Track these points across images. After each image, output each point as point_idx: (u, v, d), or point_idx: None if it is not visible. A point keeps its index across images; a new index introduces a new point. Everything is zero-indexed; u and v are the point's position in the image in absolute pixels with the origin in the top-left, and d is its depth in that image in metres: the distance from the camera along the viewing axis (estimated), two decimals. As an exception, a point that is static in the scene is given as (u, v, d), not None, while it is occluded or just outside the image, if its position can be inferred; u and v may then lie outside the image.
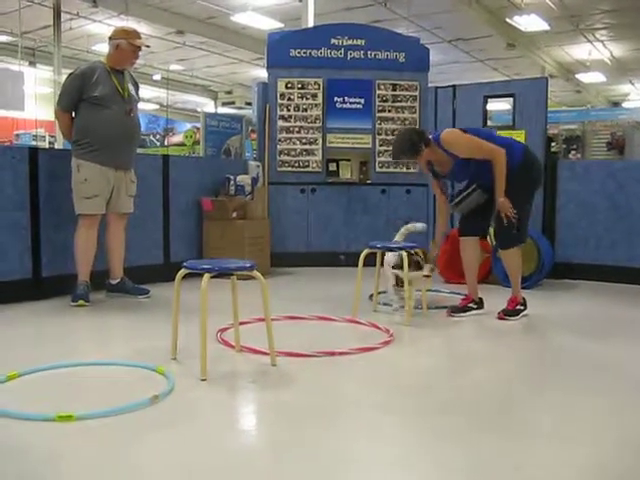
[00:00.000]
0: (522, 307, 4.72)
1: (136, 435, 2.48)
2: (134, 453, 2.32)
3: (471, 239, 4.85)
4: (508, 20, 14.46)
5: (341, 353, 3.61)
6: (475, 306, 4.84)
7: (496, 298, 4.89)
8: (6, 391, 2.94)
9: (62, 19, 14.28)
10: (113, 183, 5.04)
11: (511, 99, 6.83)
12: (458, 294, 5.50)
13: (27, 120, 15.91)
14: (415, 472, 2.21)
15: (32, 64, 18.36)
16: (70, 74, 5.03)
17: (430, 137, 4.62)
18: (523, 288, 5.77)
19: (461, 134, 4.58)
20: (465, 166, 4.58)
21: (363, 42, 7.43)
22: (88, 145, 4.90)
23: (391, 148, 4.65)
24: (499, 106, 10.62)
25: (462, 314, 4.74)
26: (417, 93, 7.47)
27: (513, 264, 4.78)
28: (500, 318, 4.61)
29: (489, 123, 7.13)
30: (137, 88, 5.28)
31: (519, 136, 6.67)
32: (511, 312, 4.68)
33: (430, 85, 7.51)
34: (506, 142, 4.66)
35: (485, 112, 6.97)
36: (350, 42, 7.37)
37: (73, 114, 5.00)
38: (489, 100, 6.98)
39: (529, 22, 14.22)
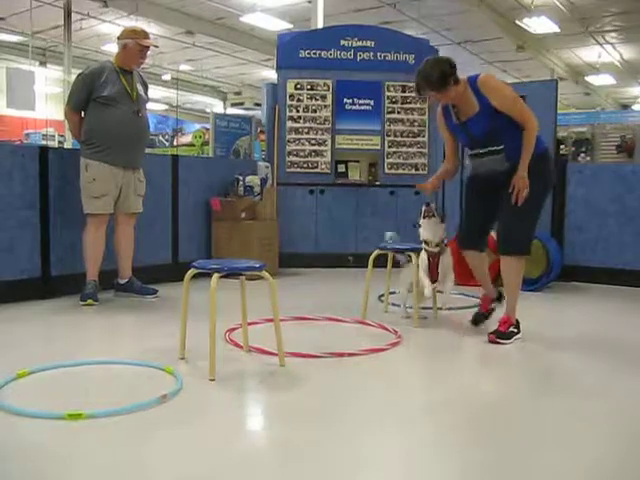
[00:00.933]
0: (515, 330, 4.04)
1: (145, 434, 2.49)
2: (143, 452, 2.32)
3: (470, 252, 4.34)
4: (518, 22, 14.43)
5: (349, 354, 3.61)
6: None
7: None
8: (16, 389, 2.95)
9: (73, 19, 14.35)
10: (122, 183, 5.05)
11: (521, 101, 6.81)
12: (467, 296, 5.50)
13: (37, 119, 15.97)
14: (421, 472, 2.20)
15: (42, 64, 18.45)
16: (79, 74, 5.05)
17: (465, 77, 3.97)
18: (531, 291, 5.79)
19: (503, 83, 4.10)
20: (488, 120, 3.90)
21: (373, 43, 7.43)
22: (97, 145, 4.92)
23: (415, 78, 3.94)
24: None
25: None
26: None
27: (511, 276, 4.05)
28: (491, 341, 3.94)
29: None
30: (146, 88, 5.30)
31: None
32: (503, 335, 3.99)
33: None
34: None
35: (494, 114, 6.96)
36: (360, 43, 7.37)
37: (82, 114, 5.03)
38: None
39: (539, 24, 14.18)
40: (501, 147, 3.94)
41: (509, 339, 3.97)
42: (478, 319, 4.41)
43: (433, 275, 4.33)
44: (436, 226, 4.34)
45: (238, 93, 23.98)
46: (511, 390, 3.21)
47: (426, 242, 4.35)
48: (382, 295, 5.05)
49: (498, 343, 3.90)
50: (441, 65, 3.87)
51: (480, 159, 4.08)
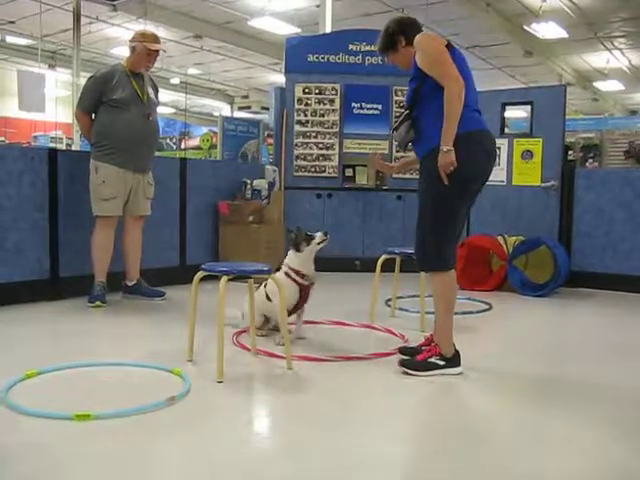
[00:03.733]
0: (441, 362, 3.29)
1: (152, 435, 2.49)
2: (150, 453, 2.33)
3: None
4: (526, 27, 14.42)
5: (356, 358, 3.61)
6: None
7: (512, 307, 4.87)
8: (25, 389, 2.96)
9: (82, 23, 14.41)
10: (131, 185, 5.07)
11: (529, 107, 6.81)
12: (474, 300, 5.51)
13: (45, 122, 16.03)
14: (428, 474, 2.20)
15: (51, 67, 18.52)
16: (90, 77, 5.07)
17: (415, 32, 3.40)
18: (539, 296, 5.78)
19: (437, 39, 3.33)
20: (413, 82, 3.34)
21: (381, 48, 7.43)
22: (107, 147, 4.93)
23: None
24: (516, 114, 10.60)
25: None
26: (434, 99, 7.44)
27: (438, 294, 3.36)
28: (399, 365, 3.33)
29: (506, 131, 7.11)
30: (157, 91, 5.32)
31: (536, 144, 6.67)
32: (417, 364, 3.31)
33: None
34: (472, 97, 3.35)
35: (503, 119, 6.96)
36: (368, 48, 7.37)
37: (93, 116, 5.05)
38: (507, 107, 6.97)
39: (547, 29, 14.18)
40: (405, 112, 3.38)
41: (424, 371, 3.27)
42: (405, 351, 3.61)
43: (299, 306, 3.94)
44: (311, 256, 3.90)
45: (245, 97, 24.02)
46: (521, 390, 3.21)
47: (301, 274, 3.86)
48: (389, 300, 5.05)
49: (406, 373, 3.28)
50: (388, 23, 3.50)
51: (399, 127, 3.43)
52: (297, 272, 3.84)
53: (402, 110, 3.48)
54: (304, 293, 3.86)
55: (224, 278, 3.17)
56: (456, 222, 3.32)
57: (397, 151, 3.39)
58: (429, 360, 3.30)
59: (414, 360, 3.32)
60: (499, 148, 6.93)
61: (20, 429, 2.52)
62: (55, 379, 3.16)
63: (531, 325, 4.93)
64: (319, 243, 3.85)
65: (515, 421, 2.79)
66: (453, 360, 3.33)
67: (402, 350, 3.61)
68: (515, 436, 2.60)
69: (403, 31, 3.41)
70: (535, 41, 15.39)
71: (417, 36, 3.32)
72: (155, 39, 5.11)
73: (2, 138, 11.23)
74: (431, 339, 3.55)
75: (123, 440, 2.44)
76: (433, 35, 3.42)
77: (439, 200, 3.25)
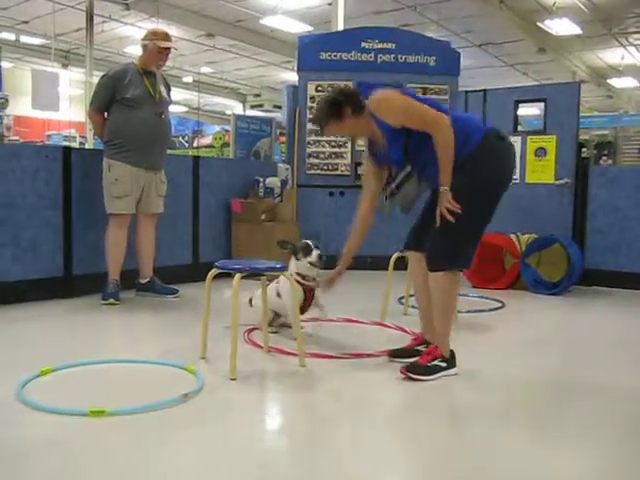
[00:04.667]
0: (443, 364, 3.27)
1: (166, 432, 2.51)
2: (163, 449, 2.34)
3: (416, 254, 3.54)
4: (539, 24, 14.35)
5: (368, 355, 3.61)
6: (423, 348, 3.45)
7: (525, 305, 4.85)
8: (40, 385, 2.99)
9: (94, 22, 14.47)
10: (143, 183, 5.09)
11: (542, 104, 6.78)
12: (486, 299, 5.49)
13: (58, 121, 16.10)
14: (442, 471, 2.20)
15: (64, 66, 18.61)
16: (103, 75, 5.09)
17: (363, 103, 3.32)
18: (552, 294, 5.75)
19: (394, 93, 3.28)
20: (399, 144, 3.25)
21: (393, 46, 7.42)
22: (119, 145, 4.96)
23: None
24: (529, 111, 10.54)
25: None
26: (447, 97, 7.43)
27: (442, 296, 3.28)
28: (403, 374, 3.20)
29: (519, 128, 7.09)
30: (169, 90, 5.33)
31: (550, 142, 6.64)
32: (420, 369, 3.22)
33: (460, 89, 7.48)
34: (461, 117, 3.41)
35: (516, 117, 6.94)
36: (380, 45, 7.37)
37: (106, 115, 5.07)
38: (520, 105, 6.94)
39: (560, 26, 14.09)
40: (407, 170, 3.34)
41: (429, 375, 3.21)
42: (396, 354, 3.56)
43: (306, 306, 4.02)
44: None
45: (257, 95, 24.04)
46: (535, 388, 3.20)
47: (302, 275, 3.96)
48: (402, 297, 5.05)
49: (410, 379, 3.19)
50: (334, 94, 3.37)
51: (401, 188, 3.40)
52: (298, 274, 3.92)
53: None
54: (308, 294, 3.96)
55: (237, 275, 3.17)
56: (486, 225, 3.32)
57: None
58: (433, 363, 3.26)
59: (417, 365, 3.26)
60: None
61: (36, 425, 2.54)
62: (69, 376, 3.18)
63: (544, 323, 4.91)
64: (311, 263, 3.95)
65: (527, 420, 2.78)
66: (451, 361, 3.31)
67: (392, 353, 3.56)
68: (527, 435, 2.59)
69: (349, 101, 3.30)
70: (549, 38, 15.30)
71: (372, 101, 3.25)
72: (166, 37, 5.13)
73: (16, 137, 11.31)
74: (421, 338, 3.57)
75: (137, 436, 2.45)
76: (386, 92, 3.28)
77: (476, 204, 3.20)
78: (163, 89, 5.19)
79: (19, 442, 2.37)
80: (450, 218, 3.11)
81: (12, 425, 2.55)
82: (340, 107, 3.28)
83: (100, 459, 2.24)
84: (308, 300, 3.99)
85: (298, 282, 3.86)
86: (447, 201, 3.11)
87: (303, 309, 3.95)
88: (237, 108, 24.73)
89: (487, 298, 5.54)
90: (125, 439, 2.43)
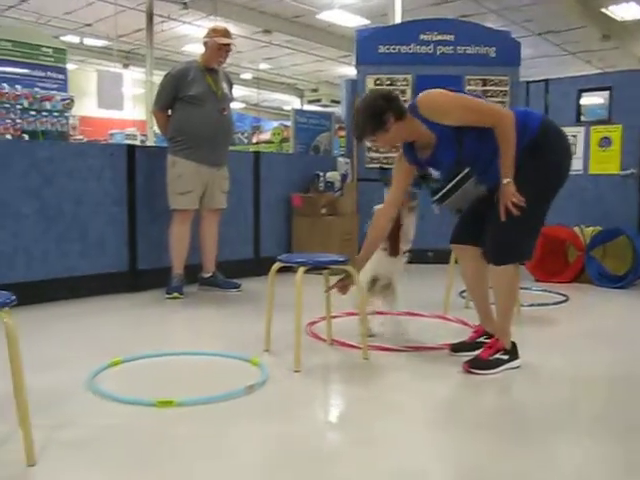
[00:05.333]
0: (505, 357, 3.24)
1: (232, 422, 2.55)
2: (229, 439, 2.38)
3: (466, 248, 3.46)
4: (603, 10, 13.98)
5: (430, 348, 3.61)
6: (487, 339, 3.43)
7: (590, 299, 4.76)
8: (110, 376, 3.07)
9: (154, 22, 14.73)
10: (207, 179, 5.16)
11: (607, 93, 6.63)
12: (550, 292, 5.41)
13: (120, 120, 16.46)
14: (500, 469, 2.19)
15: (126, 66, 19.01)
16: (166, 74, 5.18)
17: (405, 106, 3.22)
18: (617, 288, 5.62)
19: (444, 92, 3.18)
20: (452, 146, 3.13)
21: (452, 37, 7.34)
22: (183, 142, 5.04)
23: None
24: (592, 100, 10.32)
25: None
26: (508, 88, 7.32)
27: (504, 289, 3.24)
28: (466, 370, 3.17)
29: (582, 118, 6.94)
30: (231, 87, 5.38)
31: (615, 131, 6.49)
32: (483, 363, 3.20)
33: (521, 80, 7.36)
34: (515, 109, 3.31)
35: (579, 107, 6.80)
36: (439, 37, 7.30)
37: (169, 112, 5.16)
38: (583, 94, 6.80)
39: (626, 11, 13.69)
40: (465, 172, 3.16)
41: (492, 369, 3.18)
42: (458, 347, 3.53)
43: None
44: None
45: (315, 90, 24.09)
46: (590, 391, 3.15)
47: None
48: (463, 291, 5.00)
49: (472, 374, 3.16)
50: (372, 101, 3.20)
51: (452, 194, 3.24)
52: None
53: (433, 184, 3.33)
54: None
55: (301, 269, 3.20)
56: (546, 214, 3.27)
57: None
58: (495, 357, 3.22)
59: (479, 359, 3.22)
60: (575, 136, 6.77)
61: (106, 414, 2.62)
62: (137, 367, 3.26)
63: (609, 317, 4.81)
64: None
65: (591, 415, 2.74)
66: (513, 352, 3.27)
67: (454, 347, 3.52)
68: (588, 431, 2.55)
69: (391, 107, 3.14)
70: (613, 24, 14.89)
71: (423, 103, 3.14)
72: (225, 34, 5.17)
73: (80, 136, 11.61)
74: (482, 330, 3.53)
75: (204, 426, 2.50)
76: (436, 92, 3.18)
77: (540, 195, 3.15)
78: (225, 86, 5.25)
79: (90, 430, 2.44)
80: (515, 211, 3.04)
81: (83, 413, 2.62)
82: (383, 116, 3.13)
83: (167, 448, 2.29)
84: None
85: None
86: (512, 194, 3.03)
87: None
88: (295, 103, 24.84)
89: (550, 292, 5.45)
90: (191, 429, 2.48)
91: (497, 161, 3.09)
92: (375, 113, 3.13)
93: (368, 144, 3.47)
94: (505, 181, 3.05)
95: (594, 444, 2.37)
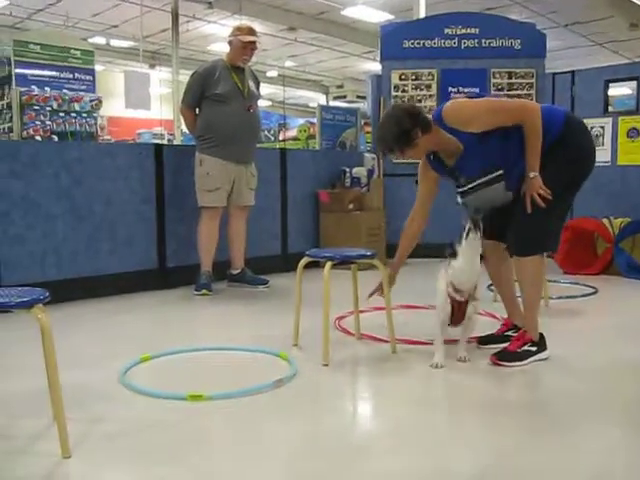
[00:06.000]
0: (534, 348, 3.23)
1: (261, 415, 2.58)
2: (259, 432, 2.41)
3: (490, 243, 3.36)
4: (631, -2, 13.77)
5: (457, 341, 3.60)
6: (513, 333, 3.45)
7: (619, 291, 4.71)
8: (140, 371, 3.13)
9: (179, 22, 14.82)
10: (234, 177, 5.20)
11: (634, 83, 6.56)
12: (578, 284, 5.37)
13: (147, 120, 16.59)
14: (527, 459, 2.19)
15: (152, 66, 19.15)
16: (193, 73, 5.23)
17: (429, 117, 3.21)
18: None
19: (469, 100, 3.30)
20: (479, 151, 3.15)
21: (477, 30, 7.31)
22: (211, 140, 5.08)
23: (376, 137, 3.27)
24: (620, 91, 10.21)
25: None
26: (533, 80, 7.27)
27: (529, 281, 3.23)
28: (494, 363, 3.17)
29: (610, 109, 6.88)
30: (258, 84, 5.42)
31: (643, 122, 6.43)
32: (511, 355, 3.19)
33: (547, 72, 7.31)
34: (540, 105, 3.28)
35: (606, 97, 6.74)
36: (464, 31, 7.27)
37: (197, 110, 5.21)
38: (610, 85, 6.74)
39: (655, -2, 13.47)
40: (499, 172, 3.17)
41: (520, 360, 3.17)
42: (486, 340, 3.54)
43: (455, 321, 3.28)
44: (475, 260, 3.17)
45: (340, 86, 24.06)
46: (619, 384, 3.13)
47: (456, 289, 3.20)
48: (491, 284, 4.98)
49: (500, 366, 3.16)
50: (399, 119, 3.15)
51: (479, 190, 3.25)
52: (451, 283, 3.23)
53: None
54: (457, 310, 3.21)
55: (328, 264, 3.22)
56: (569, 209, 3.34)
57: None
58: (523, 349, 3.22)
59: (507, 352, 3.22)
60: (602, 127, 6.72)
61: (138, 407, 2.67)
62: (168, 363, 3.31)
63: (638, 309, 4.76)
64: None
65: (619, 408, 2.73)
66: (542, 344, 3.27)
67: (482, 340, 3.53)
68: (619, 420, 2.54)
69: (417, 123, 3.13)
70: (641, 12, 14.68)
71: (449, 114, 3.15)
72: (250, 31, 5.20)
73: (108, 137, 11.74)
74: (510, 323, 3.54)
75: (234, 420, 2.54)
76: (460, 102, 3.26)
77: (565, 188, 3.19)
78: (252, 84, 5.28)
79: (122, 423, 2.49)
80: (541, 203, 3.06)
81: (116, 407, 2.67)
82: (410, 133, 3.11)
83: (198, 441, 2.33)
84: (456, 316, 3.24)
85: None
86: (539, 187, 3.06)
87: (455, 321, 3.27)
88: (320, 100, 24.84)
89: (579, 284, 5.42)
90: (222, 422, 2.53)
91: (522, 164, 3.13)
92: (402, 132, 3.13)
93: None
94: (531, 175, 3.08)
95: (623, 436, 2.36)
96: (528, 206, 3.09)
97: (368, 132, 8.76)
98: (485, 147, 3.14)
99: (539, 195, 3.06)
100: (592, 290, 5.16)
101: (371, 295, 3.55)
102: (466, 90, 7.23)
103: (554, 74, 7.19)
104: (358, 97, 20.49)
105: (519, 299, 3.42)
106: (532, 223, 3.15)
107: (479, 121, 3.11)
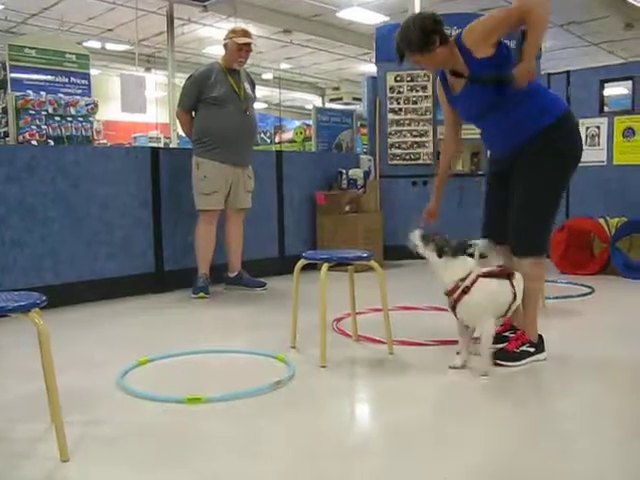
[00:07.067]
0: (532, 349, 3.24)
1: (260, 417, 2.58)
2: (257, 434, 2.41)
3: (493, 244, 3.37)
4: (627, -2, 13.78)
5: (456, 342, 3.60)
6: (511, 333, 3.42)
7: (616, 291, 4.72)
8: (138, 375, 3.13)
9: (175, 25, 14.82)
10: (231, 179, 5.20)
11: (629, 83, 6.58)
12: (575, 284, 5.38)
13: (143, 123, 16.59)
14: (525, 461, 2.20)
15: (147, 70, 19.14)
16: (190, 76, 5.24)
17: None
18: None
19: (482, 18, 3.20)
20: (478, 90, 3.16)
21: (472, 31, 7.30)
22: (207, 143, 5.09)
23: (395, 39, 3.25)
24: (615, 91, 10.25)
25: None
26: (529, 80, 7.26)
27: (527, 282, 3.20)
28: (493, 359, 3.16)
29: (605, 109, 6.89)
30: (253, 87, 5.43)
31: (639, 121, 6.43)
32: (508, 355, 3.18)
33: (542, 72, 7.31)
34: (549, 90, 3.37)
35: (602, 97, 6.75)
36: (459, 32, 7.26)
37: (193, 114, 5.21)
38: (605, 85, 6.75)
39: (651, -2, 13.49)
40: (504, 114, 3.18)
41: (517, 361, 3.18)
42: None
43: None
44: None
45: (336, 88, 24.08)
46: (616, 385, 3.14)
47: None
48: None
49: (499, 366, 3.14)
50: (421, 21, 3.17)
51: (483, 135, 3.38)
52: None
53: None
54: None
55: (325, 265, 3.22)
56: (559, 206, 3.29)
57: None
58: (521, 349, 3.22)
59: (505, 351, 3.21)
60: (598, 127, 6.73)
61: (136, 411, 2.66)
62: (166, 366, 3.31)
63: (635, 309, 4.76)
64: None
65: (614, 407, 2.74)
66: (540, 345, 3.28)
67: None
68: (616, 421, 2.55)
69: (439, 29, 3.15)
70: (637, 12, 14.65)
71: (466, 33, 3.13)
72: (244, 34, 5.20)
73: (104, 141, 11.71)
74: (508, 324, 3.51)
75: (232, 422, 2.54)
76: (473, 23, 3.18)
77: (552, 182, 3.19)
78: (247, 86, 5.29)
79: (120, 426, 2.49)
80: (523, 84, 3.03)
81: (114, 411, 2.67)
82: (432, 36, 3.12)
83: (196, 443, 2.32)
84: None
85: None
86: (527, 73, 3.03)
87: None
88: (316, 102, 24.85)
89: (576, 284, 5.43)
90: (220, 425, 2.52)
91: (523, 115, 3.14)
92: (425, 31, 3.14)
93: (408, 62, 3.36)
94: (524, 64, 3.05)
95: (620, 436, 2.37)
96: (517, 82, 3.04)
97: (364, 134, 8.76)
98: (483, 88, 3.14)
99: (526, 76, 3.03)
100: (589, 290, 5.17)
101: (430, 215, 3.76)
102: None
103: (549, 74, 7.20)
104: (354, 99, 20.53)
105: None
106: (527, 224, 3.18)
107: (490, 28, 3.11)
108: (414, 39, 3.16)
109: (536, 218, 3.18)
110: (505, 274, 3.11)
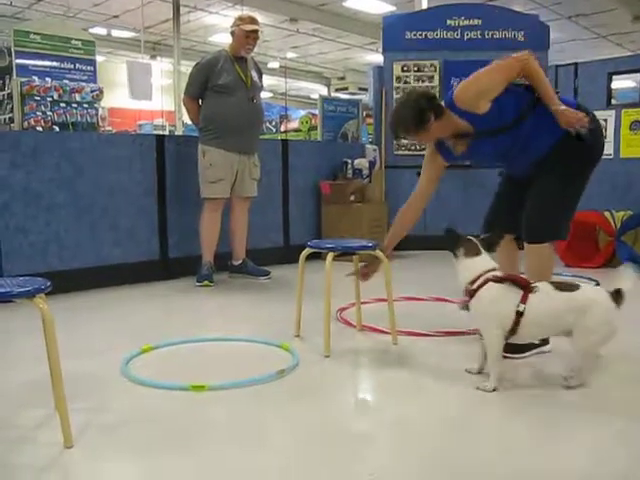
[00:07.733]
0: (537, 341, 3.21)
1: (264, 406, 2.59)
2: (261, 422, 2.43)
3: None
4: (635, -10, 13.72)
5: (459, 333, 3.61)
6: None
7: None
8: (142, 362, 3.13)
9: (181, 12, 14.78)
10: (237, 168, 5.19)
11: (638, 75, 6.55)
12: (580, 277, 5.36)
13: (148, 111, 16.57)
14: (530, 452, 2.19)
15: (153, 57, 19.11)
16: (196, 64, 5.22)
17: (441, 104, 3.22)
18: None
19: (473, 77, 3.23)
20: (491, 135, 3.18)
21: (480, 22, 7.28)
22: (213, 131, 5.07)
23: (389, 119, 3.28)
24: (623, 84, 10.20)
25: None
26: (536, 72, 7.23)
27: (537, 270, 3.16)
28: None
29: (613, 102, 6.86)
30: (260, 75, 5.41)
31: (646, 114, 6.42)
32: (513, 346, 3.04)
33: (550, 64, 7.28)
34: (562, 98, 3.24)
35: (609, 90, 6.72)
36: (467, 22, 7.24)
37: (200, 102, 5.20)
38: (613, 77, 6.72)
39: (658, -9, 13.43)
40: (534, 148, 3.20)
41: (521, 352, 3.16)
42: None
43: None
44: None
45: (342, 78, 24.02)
46: (621, 378, 3.13)
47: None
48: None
49: (504, 357, 2.94)
50: (415, 101, 3.17)
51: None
52: None
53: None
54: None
55: (330, 255, 3.22)
56: (580, 197, 3.29)
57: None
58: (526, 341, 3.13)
59: (509, 343, 3.05)
60: (605, 120, 6.70)
61: (140, 399, 2.67)
62: (170, 353, 3.31)
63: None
64: None
65: (621, 398, 2.73)
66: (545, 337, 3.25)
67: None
68: (623, 411, 2.55)
69: (432, 106, 3.15)
70: (645, 4, 14.62)
71: (459, 98, 3.16)
72: (251, 21, 5.17)
73: (109, 128, 11.67)
74: None
75: (236, 410, 2.54)
76: (465, 83, 3.23)
77: (577, 174, 3.22)
78: (254, 74, 5.27)
79: (124, 413, 2.50)
80: (583, 130, 3.04)
81: (118, 398, 2.68)
82: (425, 115, 3.13)
83: (200, 431, 2.33)
84: None
85: None
86: (574, 114, 3.04)
87: None
88: (322, 91, 24.79)
89: (581, 277, 5.41)
90: (224, 413, 2.53)
91: (533, 146, 3.17)
92: (417, 112, 3.14)
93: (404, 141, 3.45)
94: (555, 108, 3.08)
95: (625, 427, 2.36)
96: (577, 127, 3.05)
97: (370, 124, 8.74)
98: (493, 137, 3.16)
99: (580, 122, 3.04)
100: (594, 283, 5.15)
101: (351, 274, 3.54)
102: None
103: (557, 66, 7.16)
104: (360, 89, 20.47)
105: None
106: (545, 210, 3.18)
107: (486, 88, 3.14)
108: (409, 119, 3.18)
109: (553, 206, 3.18)
110: (522, 284, 2.77)
